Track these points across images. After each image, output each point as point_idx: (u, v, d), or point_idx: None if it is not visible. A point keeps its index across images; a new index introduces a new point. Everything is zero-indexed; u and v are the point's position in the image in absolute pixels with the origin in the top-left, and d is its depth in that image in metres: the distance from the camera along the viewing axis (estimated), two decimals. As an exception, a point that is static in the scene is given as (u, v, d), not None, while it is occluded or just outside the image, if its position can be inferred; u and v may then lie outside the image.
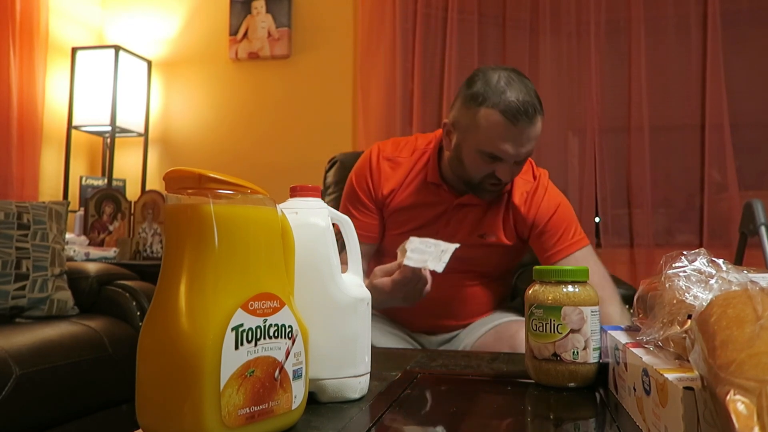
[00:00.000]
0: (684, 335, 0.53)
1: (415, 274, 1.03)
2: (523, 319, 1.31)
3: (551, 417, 0.63)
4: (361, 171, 1.32)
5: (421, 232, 1.23)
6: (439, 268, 1.00)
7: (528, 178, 1.29)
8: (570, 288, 0.71)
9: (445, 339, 1.35)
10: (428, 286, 1.06)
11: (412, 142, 1.34)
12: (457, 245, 1.04)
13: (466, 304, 1.33)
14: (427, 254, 1.02)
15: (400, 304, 1.11)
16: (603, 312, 1.17)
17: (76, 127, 2.85)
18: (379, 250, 1.35)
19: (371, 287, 1.05)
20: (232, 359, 0.48)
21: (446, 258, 1.01)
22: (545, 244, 1.26)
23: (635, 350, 0.59)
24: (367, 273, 1.27)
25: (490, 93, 1.11)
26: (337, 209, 0.70)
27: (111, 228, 2.63)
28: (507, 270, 1.41)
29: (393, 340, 1.29)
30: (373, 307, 1.15)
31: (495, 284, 1.37)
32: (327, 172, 1.83)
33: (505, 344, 1.19)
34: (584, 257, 1.25)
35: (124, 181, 2.99)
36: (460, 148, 1.19)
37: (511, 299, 1.54)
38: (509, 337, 1.20)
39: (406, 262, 1.02)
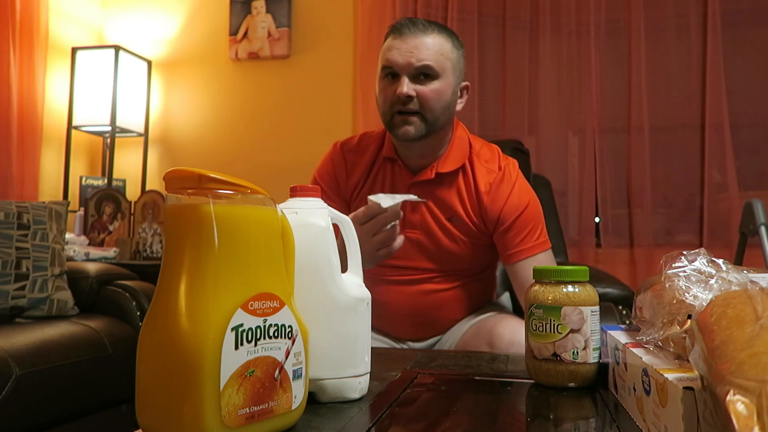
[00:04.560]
0: (684, 335, 0.53)
1: (372, 209, 1.01)
2: (503, 313, 1.29)
3: (551, 417, 0.63)
4: (324, 166, 1.30)
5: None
6: (387, 202, 1.00)
7: (492, 167, 1.23)
8: (570, 288, 0.71)
9: (430, 344, 1.31)
10: (399, 241, 1.05)
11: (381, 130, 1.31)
12: (414, 197, 1.05)
13: (444, 310, 1.27)
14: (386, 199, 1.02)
15: (374, 258, 1.05)
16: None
17: (76, 127, 2.85)
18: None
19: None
20: (232, 359, 0.48)
21: (399, 198, 1.01)
22: (509, 242, 1.20)
23: (635, 350, 0.59)
24: None
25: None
26: None
27: (111, 228, 2.63)
28: (483, 269, 1.32)
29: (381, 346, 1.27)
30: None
31: (472, 285, 1.30)
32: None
33: (482, 340, 1.17)
34: (545, 261, 1.21)
35: (124, 181, 2.99)
36: (375, 90, 1.21)
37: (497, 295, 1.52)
38: (486, 333, 1.17)
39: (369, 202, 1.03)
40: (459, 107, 1.23)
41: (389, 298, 1.25)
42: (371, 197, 1.01)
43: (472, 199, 1.22)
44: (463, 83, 1.23)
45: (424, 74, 1.14)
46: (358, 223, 1.00)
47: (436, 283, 1.25)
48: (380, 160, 1.26)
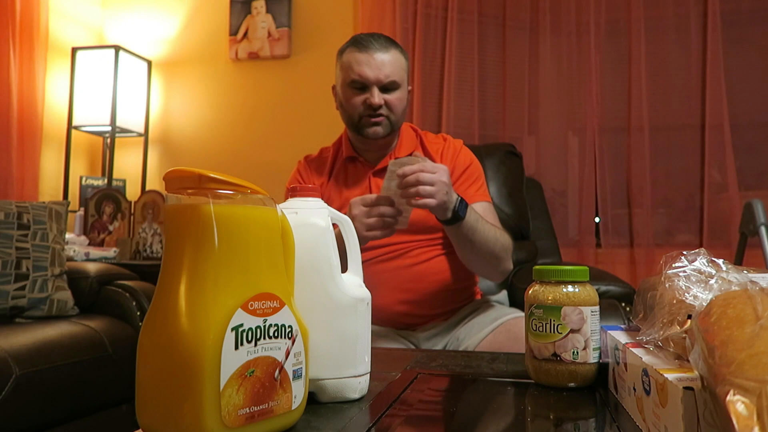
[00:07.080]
0: (684, 335, 0.53)
1: (386, 198, 1.14)
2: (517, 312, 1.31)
3: (551, 417, 0.63)
4: (294, 176, 1.47)
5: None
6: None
7: (439, 140, 1.46)
8: (570, 288, 0.71)
9: (431, 334, 1.32)
10: (390, 230, 1.15)
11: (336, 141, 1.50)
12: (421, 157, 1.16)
13: (429, 282, 1.32)
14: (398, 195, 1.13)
15: (362, 238, 1.14)
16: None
17: (76, 127, 2.85)
18: None
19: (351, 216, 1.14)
20: (232, 359, 0.48)
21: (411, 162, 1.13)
22: (457, 190, 1.31)
23: (635, 350, 0.59)
24: None
25: (349, 41, 1.36)
26: None
27: (111, 228, 2.63)
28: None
29: (386, 342, 1.27)
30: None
31: (451, 256, 1.35)
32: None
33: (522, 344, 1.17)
34: (488, 209, 1.36)
35: (124, 181, 2.99)
36: (340, 95, 1.39)
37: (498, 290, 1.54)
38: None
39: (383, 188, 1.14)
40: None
41: (375, 282, 1.28)
42: (391, 162, 1.14)
43: None
44: (408, 87, 1.44)
45: (389, 87, 1.33)
46: (364, 203, 1.14)
47: (415, 255, 1.33)
48: (340, 161, 1.44)
